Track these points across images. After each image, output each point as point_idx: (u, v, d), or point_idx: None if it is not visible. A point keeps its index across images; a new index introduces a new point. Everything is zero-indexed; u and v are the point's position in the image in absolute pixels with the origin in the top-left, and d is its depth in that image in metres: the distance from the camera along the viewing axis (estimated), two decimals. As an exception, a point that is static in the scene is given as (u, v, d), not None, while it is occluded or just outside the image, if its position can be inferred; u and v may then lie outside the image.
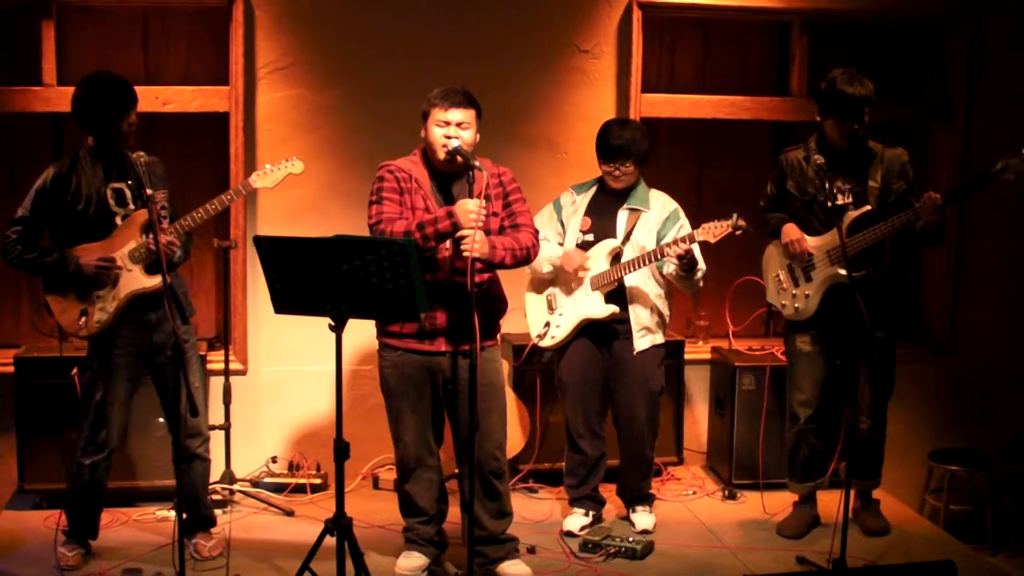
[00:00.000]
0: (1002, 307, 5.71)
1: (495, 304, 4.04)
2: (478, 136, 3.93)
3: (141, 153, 3.83)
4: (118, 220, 4.02)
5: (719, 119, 5.53)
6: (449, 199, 3.91)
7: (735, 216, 4.10)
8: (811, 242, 4.35)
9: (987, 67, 5.56)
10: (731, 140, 5.75)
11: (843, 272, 4.19)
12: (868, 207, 4.24)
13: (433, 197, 3.91)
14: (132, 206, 4.02)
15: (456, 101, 3.86)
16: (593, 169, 4.74)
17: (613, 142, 4.36)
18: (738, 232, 4.11)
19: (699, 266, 4.32)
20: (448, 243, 3.83)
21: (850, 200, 4.28)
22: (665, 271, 4.41)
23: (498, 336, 4.10)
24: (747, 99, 5.53)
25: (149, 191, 3.69)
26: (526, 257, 3.97)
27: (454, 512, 4.21)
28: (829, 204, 3.99)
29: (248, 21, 5.02)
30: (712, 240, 4.15)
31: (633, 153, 4.35)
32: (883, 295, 4.33)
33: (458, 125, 3.86)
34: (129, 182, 4.00)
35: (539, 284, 4.61)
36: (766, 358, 5.17)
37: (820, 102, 4.28)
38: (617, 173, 4.39)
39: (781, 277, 4.49)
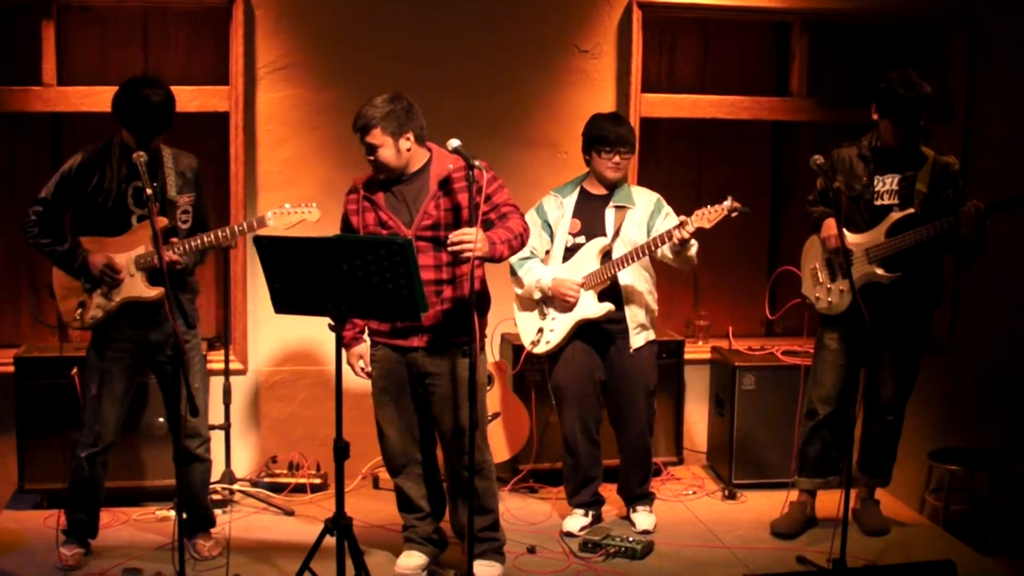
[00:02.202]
0: (1002, 307, 5.71)
1: (477, 301, 4.02)
2: (406, 139, 3.85)
3: (141, 153, 3.77)
4: (134, 220, 4.01)
5: (719, 119, 5.53)
6: (412, 204, 3.92)
7: (730, 199, 4.07)
8: (851, 239, 4.33)
9: (987, 67, 5.56)
10: (731, 140, 5.74)
11: (879, 271, 4.26)
12: (912, 210, 4.25)
13: (389, 208, 3.92)
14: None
15: (356, 131, 3.86)
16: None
17: (617, 129, 4.35)
18: (734, 215, 4.07)
19: (691, 241, 4.23)
20: None
21: (896, 202, 4.30)
22: (659, 255, 4.34)
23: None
24: (747, 99, 5.53)
25: (148, 191, 3.66)
26: (521, 243, 3.96)
27: (453, 512, 4.22)
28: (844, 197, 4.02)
29: (248, 21, 5.02)
30: (708, 226, 4.09)
31: (631, 142, 4.37)
32: (918, 297, 4.36)
33: (370, 151, 3.87)
34: (154, 183, 3.83)
35: (527, 302, 4.56)
36: (766, 358, 5.18)
37: (877, 102, 4.28)
38: (618, 160, 4.35)
39: (818, 270, 4.49)
